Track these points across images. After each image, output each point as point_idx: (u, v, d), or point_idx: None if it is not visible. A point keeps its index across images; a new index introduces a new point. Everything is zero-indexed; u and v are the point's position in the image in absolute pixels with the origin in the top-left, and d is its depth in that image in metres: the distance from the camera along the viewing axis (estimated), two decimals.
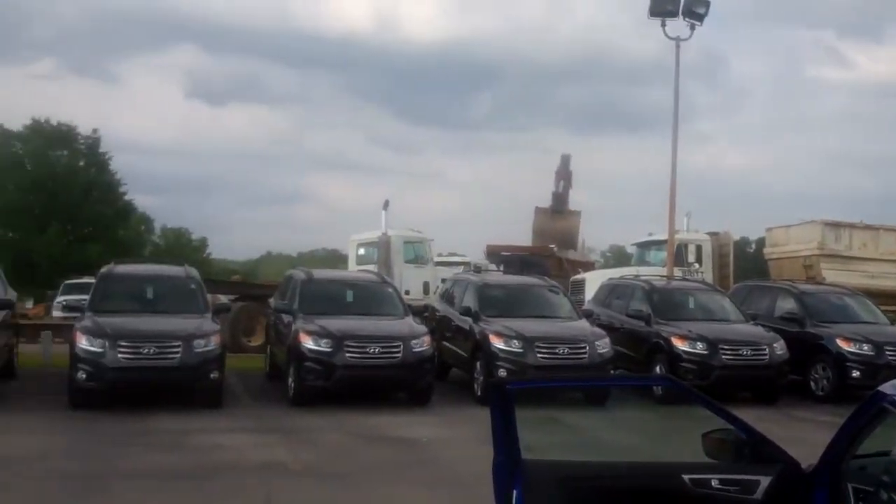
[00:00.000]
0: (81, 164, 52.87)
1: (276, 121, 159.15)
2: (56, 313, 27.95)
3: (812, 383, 16.72)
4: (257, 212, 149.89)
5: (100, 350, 13.42)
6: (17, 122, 53.41)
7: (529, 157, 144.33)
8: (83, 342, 13.54)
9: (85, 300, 15.53)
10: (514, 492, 4.08)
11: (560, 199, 35.50)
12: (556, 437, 10.47)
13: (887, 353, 16.23)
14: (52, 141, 51.77)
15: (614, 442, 11.05)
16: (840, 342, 16.60)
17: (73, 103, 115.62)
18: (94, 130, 53.19)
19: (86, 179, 51.86)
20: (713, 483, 4.30)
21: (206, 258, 66.82)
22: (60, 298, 29.68)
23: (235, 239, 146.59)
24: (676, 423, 12.54)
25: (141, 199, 75.46)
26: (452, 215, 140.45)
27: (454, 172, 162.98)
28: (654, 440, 11.05)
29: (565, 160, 36.19)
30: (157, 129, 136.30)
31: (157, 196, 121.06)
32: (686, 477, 4.31)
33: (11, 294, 17.10)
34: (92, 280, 29.82)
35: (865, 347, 16.25)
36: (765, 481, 4.27)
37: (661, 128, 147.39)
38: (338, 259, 57.96)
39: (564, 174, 35.84)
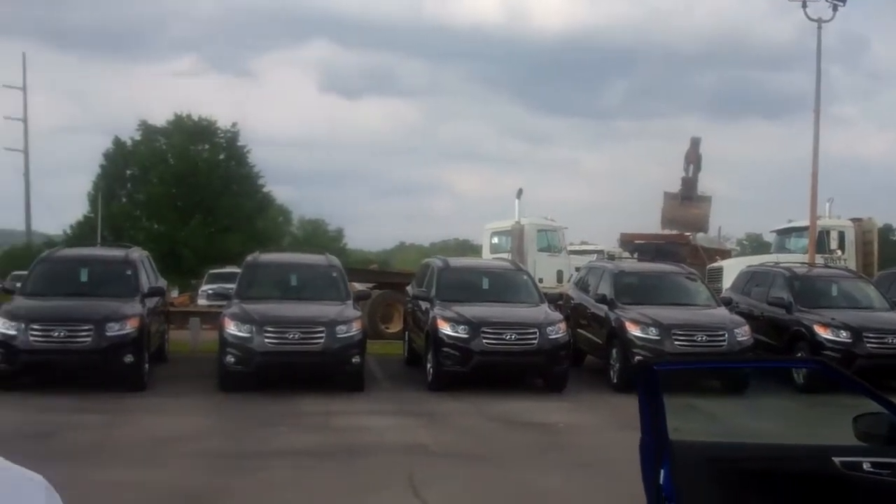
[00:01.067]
0: (221, 157, 54.38)
1: (409, 113, 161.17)
2: (201, 301, 28.97)
3: None
4: (391, 203, 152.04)
5: (247, 335, 13.97)
6: (160, 118, 55.50)
7: (662, 145, 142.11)
8: (231, 328, 14.11)
9: (230, 288, 16.17)
10: (662, 471, 4.15)
11: (689, 184, 34.84)
12: (696, 424, 10.42)
13: None
14: (193, 136, 53.54)
15: (757, 427, 10.92)
16: None
17: (213, 99, 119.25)
18: (234, 124, 54.74)
19: (226, 172, 53.40)
20: (865, 466, 4.28)
21: (342, 248, 68.12)
22: (205, 287, 30.75)
23: (370, 229, 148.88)
24: (821, 409, 12.29)
25: (279, 190, 77.47)
26: (584, 204, 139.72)
27: (586, 161, 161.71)
28: (798, 425, 10.88)
29: (695, 143, 35.52)
30: (294, 122, 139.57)
31: (295, 188, 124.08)
32: (836, 459, 4.30)
33: (162, 282, 17.88)
34: (234, 269, 30.98)
35: None
36: None
37: (799, 113, 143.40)
38: (469, 249, 58.40)
39: (694, 157, 35.17)
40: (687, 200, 34.48)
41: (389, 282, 24.35)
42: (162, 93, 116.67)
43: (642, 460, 4.23)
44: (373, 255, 78.69)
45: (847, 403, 4.79)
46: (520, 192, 29.07)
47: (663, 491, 4.00)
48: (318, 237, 68.15)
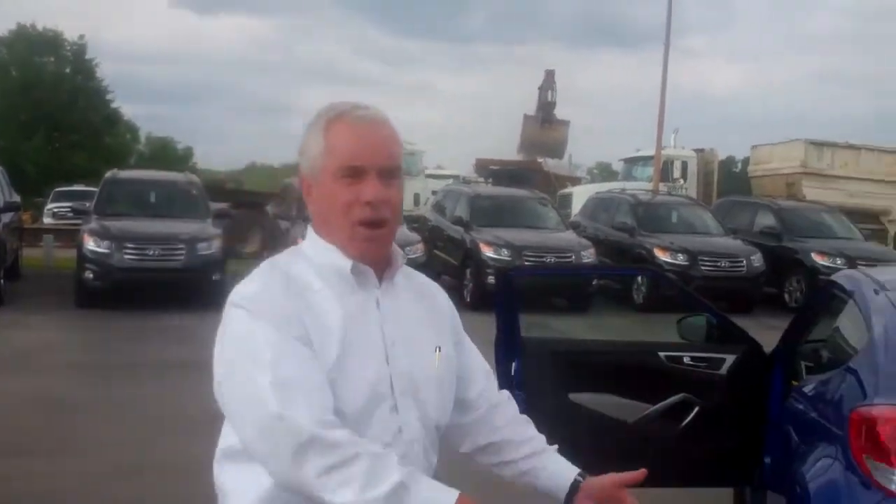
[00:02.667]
0: (68, 70, 52.50)
1: (262, 31, 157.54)
2: (46, 220, 28.36)
3: (786, 295, 17.49)
4: (242, 122, 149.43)
5: (107, 251, 13.99)
6: (1, 27, 53.08)
7: (521, 71, 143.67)
8: (90, 244, 14.08)
9: (88, 205, 16.05)
10: (514, 364, 4.70)
11: (548, 108, 35.54)
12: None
13: (860, 266, 16.93)
14: (37, 47, 51.40)
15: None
16: (815, 256, 17.33)
17: (59, 10, 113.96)
18: (81, 37, 52.63)
19: (72, 86, 51.51)
20: (685, 360, 4.95)
21: (192, 167, 66.79)
22: (51, 205, 30.10)
23: (220, 149, 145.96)
24: (654, 324, 13.29)
25: (127, 108, 75.14)
26: (442, 129, 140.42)
27: (445, 85, 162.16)
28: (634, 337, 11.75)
29: (550, 75, 36.23)
30: (143, 38, 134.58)
31: (144, 105, 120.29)
32: (662, 354, 4.96)
33: (16, 198, 17.56)
34: (82, 188, 30.18)
35: (839, 261, 16.86)
36: (730, 359, 4.91)
37: (653, 43, 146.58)
38: None
39: (550, 86, 35.90)
40: (546, 123, 35.14)
41: (246, 201, 24.34)
42: (4, 1, 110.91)
43: (496, 354, 4.74)
44: (223, 175, 77.30)
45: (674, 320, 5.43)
46: None
47: (514, 380, 4.55)
48: (167, 155, 66.38)
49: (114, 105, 54.28)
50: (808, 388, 4.32)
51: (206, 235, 14.72)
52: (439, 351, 2.06)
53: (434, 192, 24.30)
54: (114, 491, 6.23)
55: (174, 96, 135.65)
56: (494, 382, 2.29)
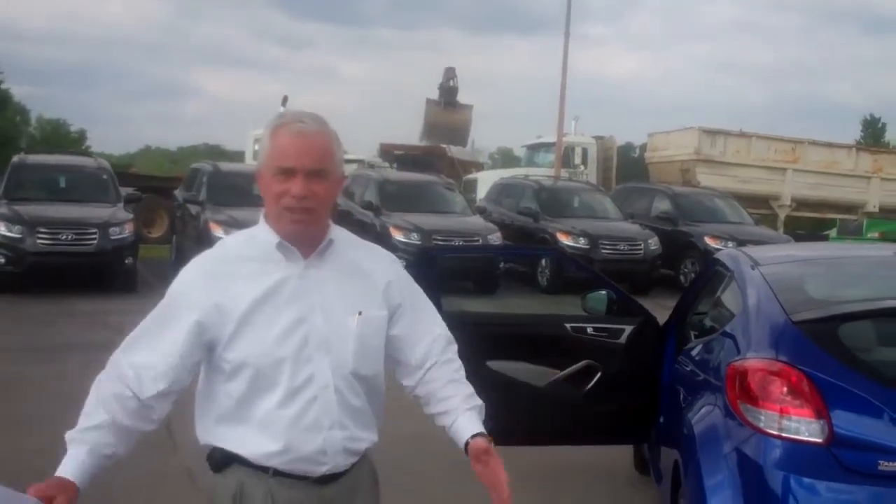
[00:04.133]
0: None
1: (158, 12, 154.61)
2: None
3: (681, 276, 18.37)
4: (136, 104, 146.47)
5: (18, 236, 14.04)
6: None
7: (423, 56, 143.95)
8: (1, 228, 14.12)
9: None
10: None
11: (450, 93, 35.72)
12: None
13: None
14: None
15: None
16: (708, 240, 18.24)
17: None
18: None
19: None
20: (588, 330, 5.53)
21: (85, 150, 65.33)
22: None
23: (114, 132, 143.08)
24: (558, 305, 13.95)
25: (17, 90, 73.12)
26: (343, 113, 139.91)
27: (346, 69, 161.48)
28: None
29: (450, 72, 36.41)
30: (34, 17, 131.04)
31: (35, 86, 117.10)
32: (568, 325, 5.53)
33: None
34: None
35: (730, 244, 17.79)
36: (628, 329, 5.51)
37: (552, 30, 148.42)
38: (220, 154, 57.12)
39: (451, 78, 36.11)
40: (449, 107, 35.33)
41: (151, 186, 24.26)
42: None
43: None
44: (116, 159, 75.85)
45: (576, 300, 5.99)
46: (285, 100, 29.30)
47: None
48: (59, 138, 64.77)
49: (3, 86, 52.83)
50: (693, 352, 4.92)
51: (119, 220, 14.87)
52: (360, 314, 2.55)
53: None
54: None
55: (67, 78, 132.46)
56: (439, 346, 2.72)
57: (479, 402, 2.68)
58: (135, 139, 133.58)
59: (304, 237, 2.51)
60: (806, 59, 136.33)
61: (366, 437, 2.60)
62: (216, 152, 64.97)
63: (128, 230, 14.82)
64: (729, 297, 4.78)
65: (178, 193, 18.79)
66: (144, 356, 2.45)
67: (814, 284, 4.42)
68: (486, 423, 4.69)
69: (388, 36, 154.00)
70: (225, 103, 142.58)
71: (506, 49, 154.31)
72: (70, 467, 2.37)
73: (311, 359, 2.47)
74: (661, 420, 5.35)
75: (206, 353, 2.49)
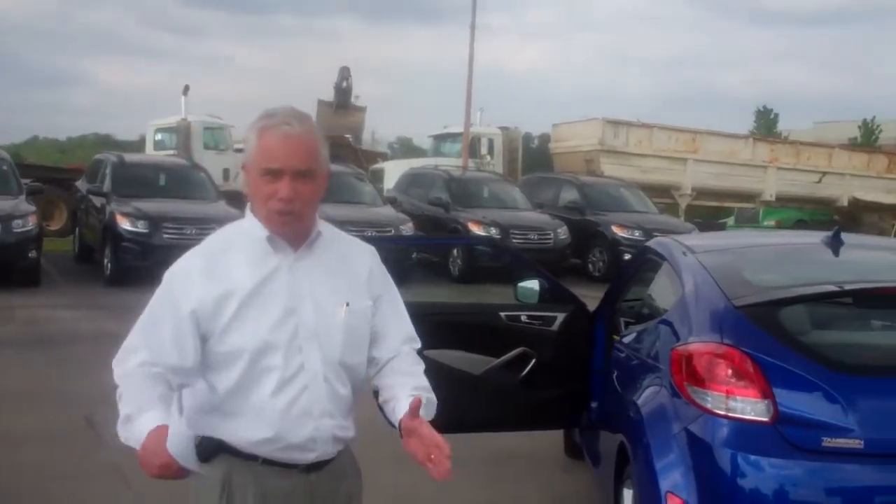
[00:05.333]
0: None
1: None
2: None
3: (590, 265, 18.74)
4: (22, 93, 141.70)
5: None
6: None
7: (321, 44, 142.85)
8: None
9: None
10: None
11: (344, 95, 35.43)
12: None
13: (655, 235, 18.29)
14: None
15: None
16: (615, 229, 18.64)
17: None
18: None
19: None
20: (522, 318, 5.61)
21: None
22: None
23: None
24: (471, 294, 14.10)
25: None
26: (244, 102, 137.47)
27: (242, 58, 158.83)
28: None
29: (344, 72, 36.14)
30: None
31: None
32: (503, 314, 5.60)
33: None
34: None
35: (637, 233, 18.21)
36: (560, 316, 5.60)
37: (450, 20, 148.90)
38: (111, 144, 55.72)
39: (345, 78, 35.82)
40: (341, 109, 35.20)
41: (49, 177, 23.59)
42: None
43: None
44: (3, 149, 73.06)
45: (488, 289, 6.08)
46: (186, 89, 28.81)
47: None
48: None
49: None
50: (630, 339, 5.03)
51: (22, 212, 14.47)
52: (347, 305, 2.60)
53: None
54: None
55: None
56: (398, 343, 2.75)
57: (429, 394, 2.68)
58: (22, 128, 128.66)
59: (292, 234, 2.56)
60: (700, 50, 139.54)
61: (350, 426, 2.66)
62: (107, 142, 63.36)
63: (31, 223, 14.44)
64: (665, 284, 4.89)
65: (81, 185, 18.35)
66: (148, 356, 2.52)
67: (750, 270, 4.56)
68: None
69: (285, 23, 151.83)
70: (116, 92, 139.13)
71: (405, 39, 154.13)
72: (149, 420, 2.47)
73: (301, 348, 2.52)
74: (595, 405, 5.46)
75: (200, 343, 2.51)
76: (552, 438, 6.57)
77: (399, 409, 2.58)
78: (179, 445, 2.44)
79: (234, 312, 2.47)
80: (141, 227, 14.88)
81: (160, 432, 2.42)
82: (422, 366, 2.77)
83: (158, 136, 29.75)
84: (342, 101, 34.44)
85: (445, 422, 5.71)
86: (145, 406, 2.47)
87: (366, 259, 2.75)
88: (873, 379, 3.79)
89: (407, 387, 2.64)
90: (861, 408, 3.63)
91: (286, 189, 2.45)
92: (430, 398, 2.65)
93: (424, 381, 2.71)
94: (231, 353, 2.48)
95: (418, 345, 2.83)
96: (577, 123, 28.31)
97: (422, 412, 2.48)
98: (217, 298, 2.48)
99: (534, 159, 34.89)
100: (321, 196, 2.60)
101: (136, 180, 16.58)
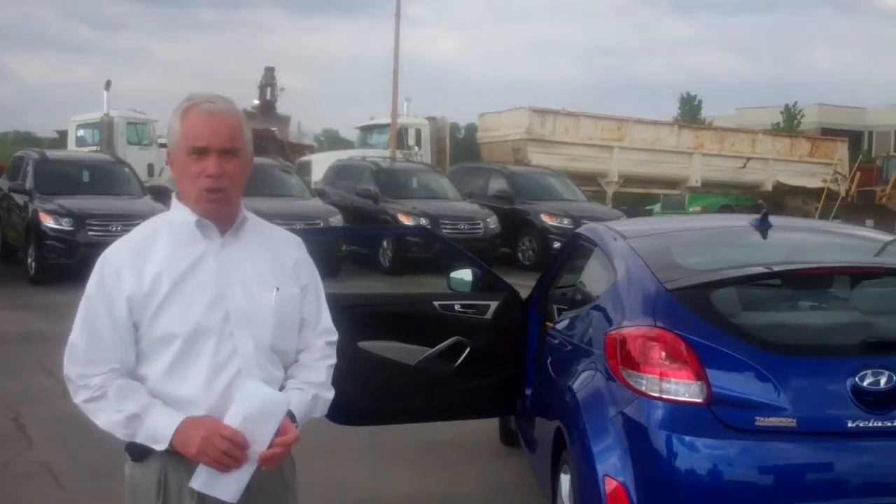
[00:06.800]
0: None
1: None
2: None
3: (520, 254, 18.81)
4: None
5: None
6: None
7: (244, 37, 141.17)
8: None
9: None
10: None
11: (268, 108, 35.07)
12: None
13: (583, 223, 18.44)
14: None
15: None
16: (544, 217, 18.71)
17: None
18: None
19: None
20: (456, 307, 5.61)
21: None
22: None
23: None
24: (402, 285, 14.08)
25: None
26: (165, 96, 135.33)
27: (162, 52, 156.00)
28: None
29: (269, 72, 35.78)
30: None
31: None
32: (436, 303, 5.60)
33: None
34: None
35: (566, 221, 18.31)
36: (493, 304, 5.61)
37: (373, 11, 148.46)
38: (31, 141, 54.44)
39: (270, 83, 35.54)
40: (267, 120, 34.88)
41: None
42: None
43: None
44: None
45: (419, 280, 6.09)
46: (108, 84, 28.35)
47: None
48: None
49: None
50: (563, 325, 5.06)
51: None
52: (277, 290, 2.61)
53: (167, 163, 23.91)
54: None
55: None
56: (314, 336, 2.74)
57: (317, 390, 2.67)
58: None
59: (221, 216, 2.57)
60: (625, 39, 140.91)
61: None
62: (27, 140, 61.91)
63: None
64: (598, 270, 4.93)
65: (2, 183, 17.91)
66: (92, 355, 2.50)
67: (681, 254, 4.61)
68: (357, 402, 4.69)
69: (205, 16, 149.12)
70: (35, 88, 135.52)
71: (328, 30, 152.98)
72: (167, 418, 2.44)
73: (233, 334, 2.51)
74: (530, 392, 5.49)
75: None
76: (485, 427, 6.59)
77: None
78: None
79: (165, 296, 2.47)
80: (65, 224, 14.61)
81: (203, 421, 2.42)
82: (327, 360, 2.75)
83: (80, 133, 29.26)
84: (266, 113, 34.09)
85: (381, 412, 5.71)
86: (148, 404, 2.44)
87: (292, 249, 2.77)
88: (803, 358, 3.86)
89: (298, 380, 2.65)
90: (792, 387, 3.70)
91: (213, 166, 2.47)
92: (317, 394, 2.66)
93: (320, 377, 2.70)
94: (163, 338, 2.48)
95: (335, 338, 2.82)
96: (504, 113, 28.41)
97: (300, 410, 2.56)
98: (148, 283, 2.48)
99: (461, 149, 34.93)
100: (247, 176, 2.62)
101: (60, 177, 16.26)
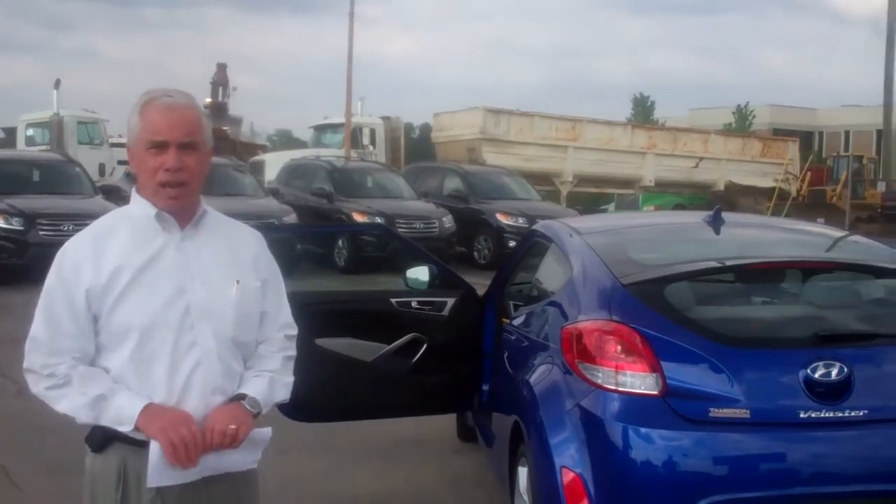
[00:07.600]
0: None
1: None
2: None
3: (475, 253, 18.86)
4: None
5: None
6: None
7: (191, 36, 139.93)
8: None
9: None
10: None
11: (220, 109, 34.88)
12: None
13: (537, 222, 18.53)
14: None
15: None
16: (499, 216, 18.78)
17: None
18: None
19: None
20: (413, 304, 5.61)
21: None
22: None
23: None
24: (358, 284, 14.06)
25: None
26: (115, 96, 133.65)
27: (110, 51, 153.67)
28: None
29: (222, 68, 35.56)
30: None
31: None
32: (393, 300, 5.60)
33: None
34: None
35: (521, 220, 18.38)
36: (450, 301, 5.63)
37: (325, 11, 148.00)
38: None
39: (223, 81, 35.37)
40: (218, 121, 34.65)
41: None
42: None
43: None
44: None
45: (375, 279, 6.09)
46: (58, 83, 28.09)
47: None
48: None
49: None
50: (520, 321, 5.09)
51: None
52: (238, 283, 2.62)
53: (120, 162, 23.85)
54: None
55: None
56: (274, 329, 2.74)
57: (273, 374, 2.69)
58: None
59: (181, 209, 2.58)
60: (581, 40, 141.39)
61: None
62: None
63: None
64: (554, 266, 4.97)
65: None
66: (54, 346, 2.51)
67: (636, 249, 4.67)
68: (314, 399, 4.67)
69: (150, 15, 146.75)
70: None
71: (279, 29, 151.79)
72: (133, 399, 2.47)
73: (193, 326, 2.53)
74: (487, 387, 5.51)
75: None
76: (441, 423, 6.61)
77: (241, 387, 2.63)
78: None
79: (124, 288, 2.49)
80: (15, 224, 14.45)
81: (176, 409, 2.45)
82: (285, 351, 2.76)
83: (30, 132, 28.96)
84: (218, 114, 33.85)
85: (339, 409, 5.70)
86: (114, 387, 2.46)
87: (252, 243, 2.77)
88: (756, 350, 3.92)
89: (254, 369, 2.68)
90: (746, 379, 3.76)
91: (172, 160, 2.49)
92: (273, 378, 2.67)
93: (275, 364, 2.71)
94: (120, 330, 2.49)
95: (294, 332, 2.83)
96: (459, 113, 28.44)
97: (260, 395, 2.58)
98: (107, 275, 2.49)
99: (416, 149, 34.95)
100: (206, 171, 2.63)
101: (9, 177, 16.06)
